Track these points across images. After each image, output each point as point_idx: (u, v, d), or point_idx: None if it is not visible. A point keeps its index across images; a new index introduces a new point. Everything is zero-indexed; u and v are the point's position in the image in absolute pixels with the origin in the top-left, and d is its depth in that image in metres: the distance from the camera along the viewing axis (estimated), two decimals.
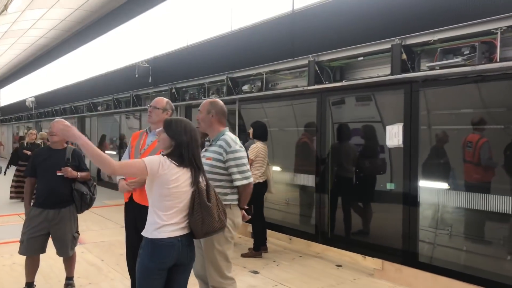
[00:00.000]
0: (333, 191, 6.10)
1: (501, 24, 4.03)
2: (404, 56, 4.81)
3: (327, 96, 6.00)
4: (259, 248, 5.75)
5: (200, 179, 2.67)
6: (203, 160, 3.12)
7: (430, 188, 4.91)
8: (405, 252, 4.96)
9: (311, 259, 5.59)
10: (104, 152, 2.51)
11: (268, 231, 6.12)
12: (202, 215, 2.58)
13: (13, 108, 24.48)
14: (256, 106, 7.42)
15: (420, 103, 4.86)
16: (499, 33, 4.04)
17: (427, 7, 4.60)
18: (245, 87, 7.36)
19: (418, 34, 4.69)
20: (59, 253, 4.15)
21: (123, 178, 3.46)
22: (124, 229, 3.70)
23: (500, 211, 4.27)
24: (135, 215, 3.46)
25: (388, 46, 4.98)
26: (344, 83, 5.52)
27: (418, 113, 4.88)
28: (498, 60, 4.03)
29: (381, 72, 5.32)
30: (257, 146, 5.68)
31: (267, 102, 7.14)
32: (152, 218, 2.63)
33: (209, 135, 3.42)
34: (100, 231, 7.07)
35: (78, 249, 4.39)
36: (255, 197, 5.40)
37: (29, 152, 8.96)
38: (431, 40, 4.60)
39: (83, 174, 4.13)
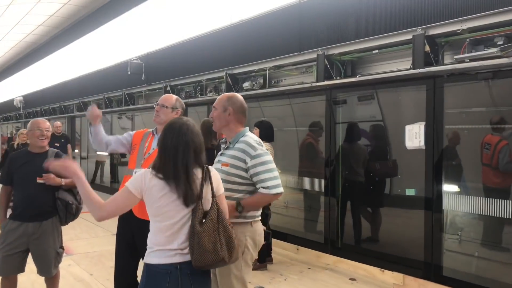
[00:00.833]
0: (343, 196, 5.62)
1: None
2: (427, 48, 4.34)
3: (337, 93, 5.51)
4: (264, 259, 5.24)
5: (206, 194, 2.15)
6: (218, 167, 2.63)
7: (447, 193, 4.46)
8: (428, 264, 4.49)
9: (321, 272, 5.09)
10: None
11: (273, 240, 5.62)
12: (192, 242, 2.06)
13: (1, 108, 23.75)
14: (261, 104, 6.91)
15: (444, 100, 4.39)
16: None
17: None
18: (246, 84, 6.85)
19: (444, 23, 4.21)
20: (40, 272, 3.61)
21: None
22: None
23: None
24: (133, 231, 2.96)
25: (408, 37, 4.50)
26: (358, 78, 5.03)
27: (443, 111, 4.41)
28: None
29: (399, 67, 4.83)
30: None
31: (269, 100, 6.63)
32: (148, 239, 2.16)
33: (225, 136, 2.91)
34: (90, 240, 6.53)
35: (64, 261, 3.87)
36: None
37: None
38: (458, 30, 4.12)
39: (68, 180, 3.52)
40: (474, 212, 4.31)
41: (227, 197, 2.49)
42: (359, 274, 4.95)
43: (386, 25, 4.68)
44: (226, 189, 2.44)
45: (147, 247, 2.16)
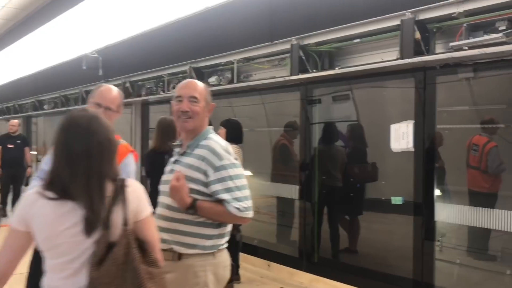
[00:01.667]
0: (320, 204, 5.00)
1: None
2: (417, 35, 3.76)
3: (313, 88, 4.89)
4: (230, 278, 4.55)
5: (116, 220, 1.46)
6: (170, 178, 2.00)
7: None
8: (417, 283, 3.90)
9: None
10: None
11: (241, 255, 4.95)
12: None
13: None
14: (232, 103, 6.22)
15: (437, 96, 3.82)
16: None
17: None
18: (212, 79, 6.14)
19: (437, 5, 3.64)
20: None
21: None
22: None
23: None
24: None
25: (395, 23, 3.90)
26: (337, 71, 4.40)
27: (435, 107, 3.84)
28: None
29: (384, 58, 4.25)
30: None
31: (240, 97, 5.95)
32: (42, 282, 1.54)
33: (181, 136, 2.23)
34: None
35: None
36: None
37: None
38: (454, 13, 3.55)
39: None
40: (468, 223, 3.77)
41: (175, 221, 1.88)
42: None
43: (369, 10, 4.08)
44: (176, 209, 1.81)
45: None
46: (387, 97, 4.42)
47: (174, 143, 2.25)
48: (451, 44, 3.53)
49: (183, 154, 2.10)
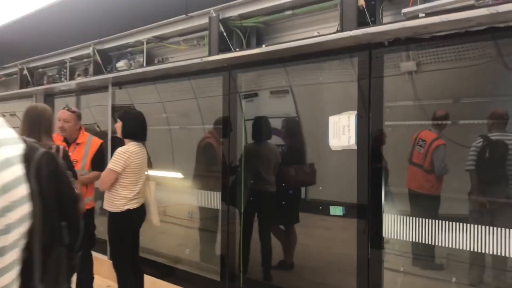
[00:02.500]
0: (248, 214, 4.11)
1: None
2: (361, 1, 2.95)
3: (238, 72, 3.97)
4: None
5: None
6: None
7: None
8: None
9: None
10: None
11: (149, 279, 3.96)
12: None
13: None
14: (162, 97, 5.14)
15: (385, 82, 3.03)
16: None
17: None
18: (121, 64, 5.08)
19: None
20: None
21: None
22: None
23: None
24: None
25: None
26: (264, 48, 3.49)
27: (382, 95, 3.05)
28: None
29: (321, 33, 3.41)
30: (128, 150, 3.46)
31: (151, 84, 4.91)
32: None
33: None
34: None
35: None
36: (122, 233, 3.32)
37: None
38: None
39: None
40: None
41: None
42: None
43: None
44: None
45: None
46: (325, 84, 3.60)
47: None
48: (404, 10, 2.73)
49: None
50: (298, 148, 4.10)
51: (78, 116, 4.00)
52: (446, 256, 3.31)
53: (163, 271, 4.43)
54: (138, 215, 3.60)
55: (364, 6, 2.96)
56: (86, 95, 5.94)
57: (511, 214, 2.69)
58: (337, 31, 3.03)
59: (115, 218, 3.49)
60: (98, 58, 5.14)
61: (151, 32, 4.54)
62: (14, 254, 1.06)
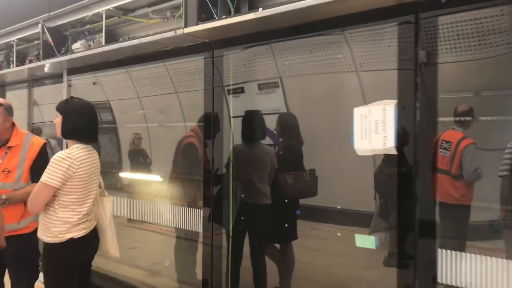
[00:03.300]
0: (237, 233, 3.15)
1: None
2: None
3: (223, 48, 2.98)
4: None
5: None
6: None
7: None
8: None
9: None
10: None
11: None
12: None
13: None
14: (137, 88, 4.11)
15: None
16: None
17: None
18: (77, 45, 4.05)
19: None
20: None
21: None
22: None
23: None
24: None
25: None
26: (261, 12, 2.50)
27: (437, 75, 2.10)
28: None
29: None
30: (71, 156, 2.44)
31: (126, 69, 3.87)
32: None
33: None
34: None
35: None
36: (62, 274, 2.41)
37: None
38: None
39: None
40: None
41: None
42: None
43: None
44: None
45: None
46: (345, 64, 2.63)
47: None
48: None
49: None
50: (296, 150, 3.14)
51: (8, 110, 2.97)
52: None
53: None
54: (86, 246, 2.58)
55: None
56: (41, 87, 4.92)
57: None
58: None
59: (52, 252, 2.48)
60: (49, 38, 4.10)
61: (112, 2, 3.51)
62: None
